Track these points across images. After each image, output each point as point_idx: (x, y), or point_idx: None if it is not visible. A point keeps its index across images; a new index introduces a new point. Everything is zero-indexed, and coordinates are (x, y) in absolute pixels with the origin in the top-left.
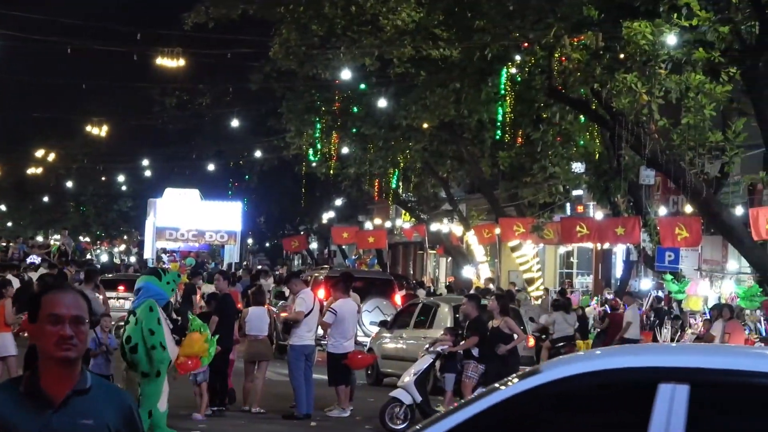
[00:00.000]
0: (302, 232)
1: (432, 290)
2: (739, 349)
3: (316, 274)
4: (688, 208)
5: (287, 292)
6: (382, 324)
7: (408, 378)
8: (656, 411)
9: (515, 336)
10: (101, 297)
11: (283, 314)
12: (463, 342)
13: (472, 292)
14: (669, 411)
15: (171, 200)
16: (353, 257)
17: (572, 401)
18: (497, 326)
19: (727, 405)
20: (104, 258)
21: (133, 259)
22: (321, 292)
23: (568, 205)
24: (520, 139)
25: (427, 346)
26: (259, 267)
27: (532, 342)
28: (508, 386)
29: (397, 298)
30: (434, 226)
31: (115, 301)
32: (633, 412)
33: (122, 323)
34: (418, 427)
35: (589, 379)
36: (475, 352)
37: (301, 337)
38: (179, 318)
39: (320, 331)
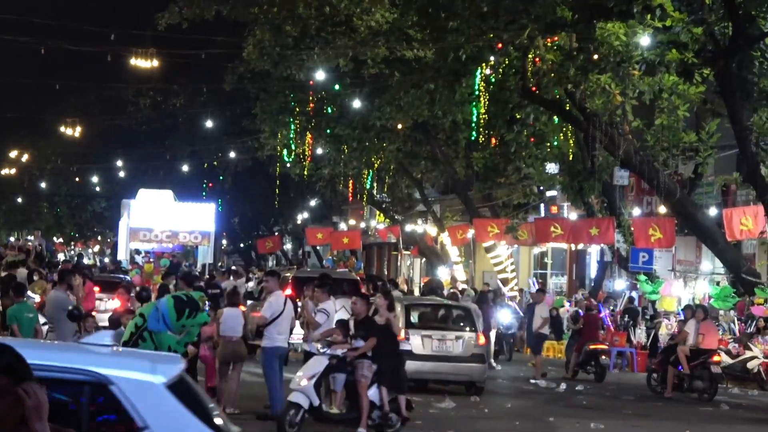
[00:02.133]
0: (276, 233)
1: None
2: (24, 341)
3: (287, 274)
4: (662, 209)
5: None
6: (338, 322)
7: (305, 381)
8: None
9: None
10: (73, 298)
11: (254, 314)
12: (362, 345)
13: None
14: None
15: (144, 201)
16: (330, 258)
17: None
18: (383, 323)
19: None
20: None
21: (107, 260)
22: (287, 292)
23: (542, 205)
24: (494, 140)
25: (320, 346)
26: (233, 268)
27: (483, 339)
28: None
29: None
30: (408, 227)
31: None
32: None
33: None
34: None
35: None
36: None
37: (273, 339)
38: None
39: (297, 331)
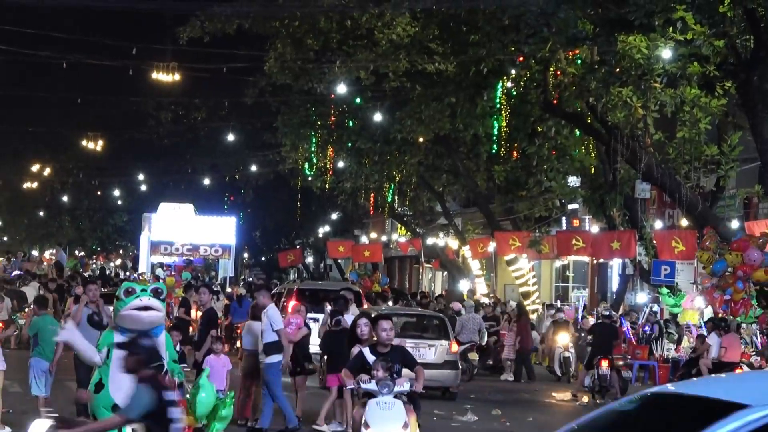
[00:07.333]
0: (298, 246)
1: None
2: None
3: (290, 287)
4: (684, 222)
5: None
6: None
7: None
8: None
9: None
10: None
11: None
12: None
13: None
14: None
15: (165, 215)
16: (353, 271)
17: None
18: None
19: None
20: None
21: (127, 273)
22: (291, 304)
23: (563, 218)
24: (515, 153)
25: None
26: (250, 280)
27: (455, 347)
28: None
29: None
30: (430, 240)
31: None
32: None
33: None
34: None
35: None
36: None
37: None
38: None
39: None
